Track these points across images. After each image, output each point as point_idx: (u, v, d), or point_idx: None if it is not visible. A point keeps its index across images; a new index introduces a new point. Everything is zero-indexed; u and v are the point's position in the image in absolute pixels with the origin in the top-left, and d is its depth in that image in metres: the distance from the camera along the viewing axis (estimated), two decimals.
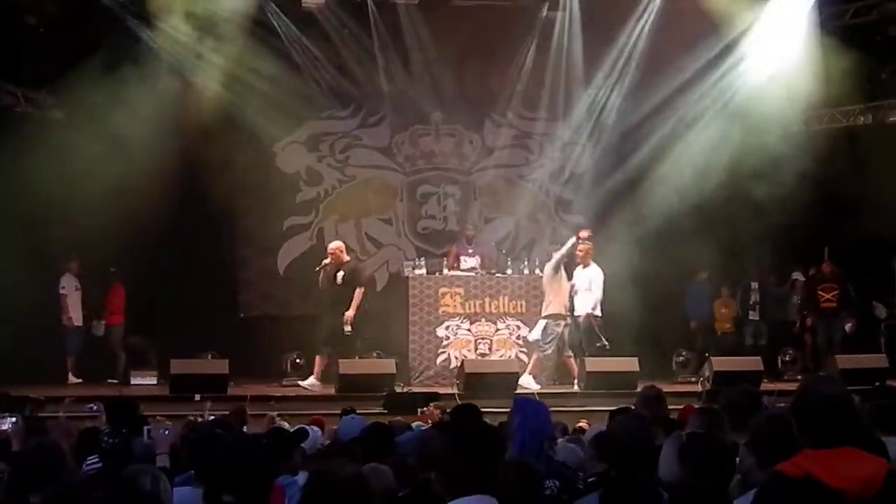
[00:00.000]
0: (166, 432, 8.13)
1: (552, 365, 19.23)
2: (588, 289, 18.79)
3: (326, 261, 18.48)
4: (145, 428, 8.10)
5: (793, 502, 4.65)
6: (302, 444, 8.45)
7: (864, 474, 4.66)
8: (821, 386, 4.96)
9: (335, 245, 18.71)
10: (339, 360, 18.13)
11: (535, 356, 18.85)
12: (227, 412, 12.54)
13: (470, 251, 19.90)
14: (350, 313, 18.10)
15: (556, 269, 18.76)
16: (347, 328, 18.03)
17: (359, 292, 18.30)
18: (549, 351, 18.84)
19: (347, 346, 18.29)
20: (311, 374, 18.50)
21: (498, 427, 9.46)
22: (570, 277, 18.87)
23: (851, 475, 4.62)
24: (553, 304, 18.68)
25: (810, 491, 4.59)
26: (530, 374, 18.61)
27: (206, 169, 19.45)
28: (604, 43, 21.12)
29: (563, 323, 18.72)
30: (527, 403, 6.89)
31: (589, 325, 18.71)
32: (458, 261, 19.87)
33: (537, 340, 18.72)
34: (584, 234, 19.41)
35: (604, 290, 18.85)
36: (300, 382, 18.44)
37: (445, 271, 19.76)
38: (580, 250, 19.00)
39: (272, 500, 5.31)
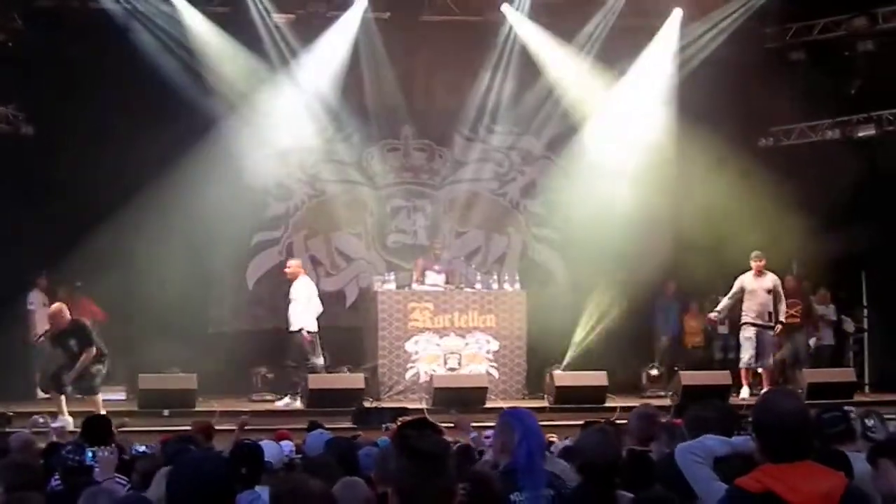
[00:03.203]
0: (111, 455, 8.10)
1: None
2: (298, 301, 18.79)
3: (46, 327, 17.16)
4: (89, 450, 8.03)
5: None
6: (268, 459, 8.43)
7: (821, 489, 4.68)
8: (779, 400, 4.97)
9: (56, 308, 16.91)
10: (308, 376, 18.20)
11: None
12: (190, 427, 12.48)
13: (436, 268, 19.87)
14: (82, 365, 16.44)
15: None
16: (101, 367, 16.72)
17: (88, 353, 16.48)
18: (769, 360, 19.39)
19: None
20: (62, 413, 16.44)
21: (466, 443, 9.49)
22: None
23: (809, 490, 4.64)
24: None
25: None
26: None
27: (174, 183, 19.40)
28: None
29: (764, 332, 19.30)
30: (525, 415, 6.95)
31: (300, 340, 18.65)
32: (424, 275, 19.86)
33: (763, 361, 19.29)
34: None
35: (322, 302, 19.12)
36: (52, 424, 15.25)
37: (414, 286, 19.75)
38: (289, 266, 19.31)
39: None
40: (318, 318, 18.93)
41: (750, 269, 19.16)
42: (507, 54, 21.31)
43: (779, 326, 19.35)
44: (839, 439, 7.48)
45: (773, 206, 19.54)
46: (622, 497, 6.46)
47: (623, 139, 21.30)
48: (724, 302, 19.42)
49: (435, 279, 19.69)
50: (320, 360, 18.87)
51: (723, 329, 21.32)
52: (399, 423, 13.65)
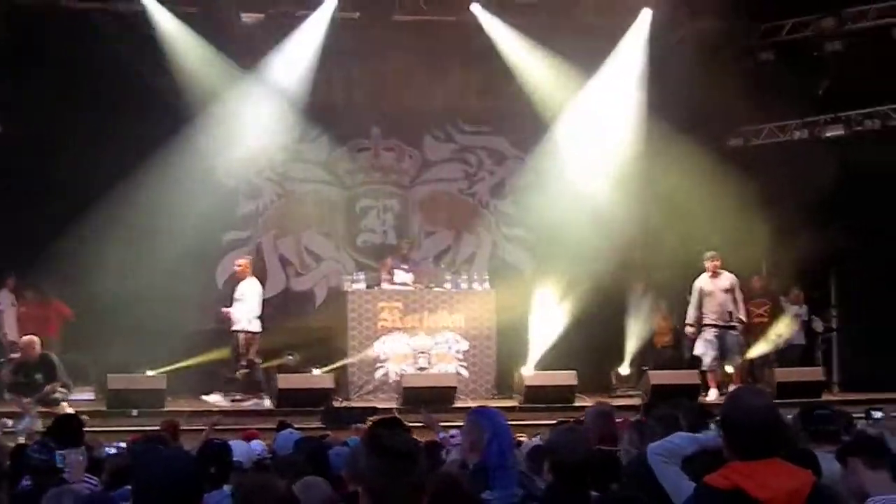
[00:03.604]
0: (81, 458, 8.05)
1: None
2: (244, 301, 18.94)
3: (16, 355, 17.26)
4: (58, 453, 7.98)
5: None
6: (238, 458, 8.40)
7: (789, 487, 4.69)
8: (748, 397, 4.99)
9: (27, 340, 16.93)
10: (277, 375, 18.25)
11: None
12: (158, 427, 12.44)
13: (405, 267, 19.87)
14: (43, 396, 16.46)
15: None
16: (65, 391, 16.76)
17: (53, 387, 16.54)
18: (738, 359, 19.43)
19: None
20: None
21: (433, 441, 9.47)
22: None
23: (777, 487, 4.65)
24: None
25: (737, 503, 4.62)
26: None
27: (145, 182, 19.32)
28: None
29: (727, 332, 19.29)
30: (494, 414, 6.96)
31: (236, 342, 18.81)
32: (392, 273, 19.83)
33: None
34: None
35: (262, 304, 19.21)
36: (20, 425, 15.65)
37: (384, 285, 19.73)
38: (238, 264, 19.47)
39: None
40: (263, 318, 18.96)
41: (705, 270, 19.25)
42: (477, 54, 21.28)
43: (740, 326, 19.40)
44: (825, 438, 7.50)
45: (742, 206, 19.57)
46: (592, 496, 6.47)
47: (593, 139, 21.29)
48: (692, 312, 19.45)
49: (403, 278, 19.71)
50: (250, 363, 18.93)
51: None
52: (370, 422, 13.69)
